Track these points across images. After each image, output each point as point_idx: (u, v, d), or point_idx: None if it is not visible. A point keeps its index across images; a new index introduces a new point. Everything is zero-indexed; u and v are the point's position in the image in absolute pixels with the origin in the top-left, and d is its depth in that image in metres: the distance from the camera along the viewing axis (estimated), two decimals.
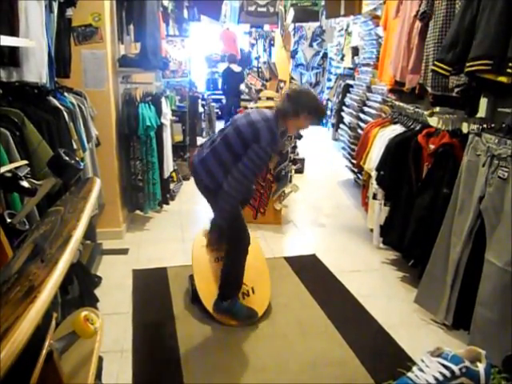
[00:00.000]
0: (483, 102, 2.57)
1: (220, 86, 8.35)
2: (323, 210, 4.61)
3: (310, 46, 10.37)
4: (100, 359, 1.33)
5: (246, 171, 2.14)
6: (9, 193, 1.65)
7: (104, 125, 3.27)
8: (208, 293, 2.51)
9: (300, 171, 5.64)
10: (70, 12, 2.66)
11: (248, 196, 2.53)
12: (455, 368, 1.01)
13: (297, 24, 5.91)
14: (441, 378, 1.01)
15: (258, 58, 4.95)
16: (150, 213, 3.95)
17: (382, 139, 3.30)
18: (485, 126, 2.34)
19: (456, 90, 2.45)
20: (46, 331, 0.91)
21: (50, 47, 2.20)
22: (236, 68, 7.42)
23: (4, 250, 1.21)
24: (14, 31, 1.88)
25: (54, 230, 1.01)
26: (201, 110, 6.24)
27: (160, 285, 2.86)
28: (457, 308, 2.37)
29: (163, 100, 3.93)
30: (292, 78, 4.20)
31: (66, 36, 2.67)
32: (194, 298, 2.61)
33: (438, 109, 3.06)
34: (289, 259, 3.29)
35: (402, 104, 3.54)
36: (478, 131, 2.30)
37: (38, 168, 1.80)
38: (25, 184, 1.31)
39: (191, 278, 2.66)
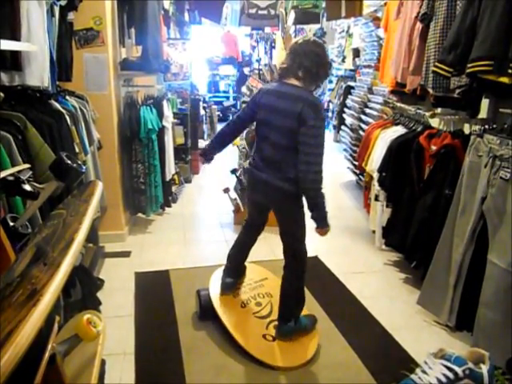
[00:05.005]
0: (485, 103, 2.57)
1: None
2: None
3: None
4: (103, 362, 1.33)
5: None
6: (11, 196, 1.65)
7: (106, 128, 3.28)
8: (249, 339, 2.24)
9: None
10: (71, 16, 2.67)
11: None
12: (458, 370, 1.01)
13: (298, 26, 5.92)
14: (444, 379, 1.01)
15: (258, 61, 4.95)
16: (152, 215, 3.95)
17: (383, 141, 3.30)
18: (486, 126, 2.34)
19: (457, 91, 2.45)
20: (49, 334, 0.92)
21: (51, 51, 2.21)
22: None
23: (7, 253, 1.21)
24: (15, 36, 1.89)
25: (57, 233, 1.01)
26: (202, 112, 6.24)
27: (162, 287, 2.86)
28: (460, 309, 2.36)
29: (165, 103, 3.94)
30: None
31: (68, 40, 2.68)
32: (202, 315, 2.46)
33: (439, 110, 3.06)
34: None
35: (403, 105, 3.53)
36: (480, 132, 2.30)
37: (40, 171, 1.80)
38: (27, 187, 1.32)
39: (198, 293, 2.49)
